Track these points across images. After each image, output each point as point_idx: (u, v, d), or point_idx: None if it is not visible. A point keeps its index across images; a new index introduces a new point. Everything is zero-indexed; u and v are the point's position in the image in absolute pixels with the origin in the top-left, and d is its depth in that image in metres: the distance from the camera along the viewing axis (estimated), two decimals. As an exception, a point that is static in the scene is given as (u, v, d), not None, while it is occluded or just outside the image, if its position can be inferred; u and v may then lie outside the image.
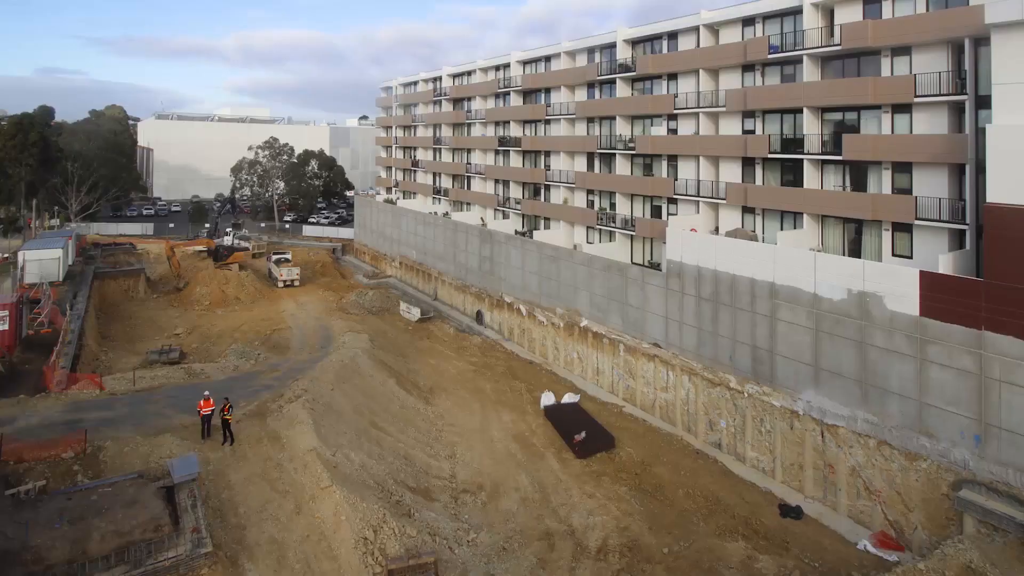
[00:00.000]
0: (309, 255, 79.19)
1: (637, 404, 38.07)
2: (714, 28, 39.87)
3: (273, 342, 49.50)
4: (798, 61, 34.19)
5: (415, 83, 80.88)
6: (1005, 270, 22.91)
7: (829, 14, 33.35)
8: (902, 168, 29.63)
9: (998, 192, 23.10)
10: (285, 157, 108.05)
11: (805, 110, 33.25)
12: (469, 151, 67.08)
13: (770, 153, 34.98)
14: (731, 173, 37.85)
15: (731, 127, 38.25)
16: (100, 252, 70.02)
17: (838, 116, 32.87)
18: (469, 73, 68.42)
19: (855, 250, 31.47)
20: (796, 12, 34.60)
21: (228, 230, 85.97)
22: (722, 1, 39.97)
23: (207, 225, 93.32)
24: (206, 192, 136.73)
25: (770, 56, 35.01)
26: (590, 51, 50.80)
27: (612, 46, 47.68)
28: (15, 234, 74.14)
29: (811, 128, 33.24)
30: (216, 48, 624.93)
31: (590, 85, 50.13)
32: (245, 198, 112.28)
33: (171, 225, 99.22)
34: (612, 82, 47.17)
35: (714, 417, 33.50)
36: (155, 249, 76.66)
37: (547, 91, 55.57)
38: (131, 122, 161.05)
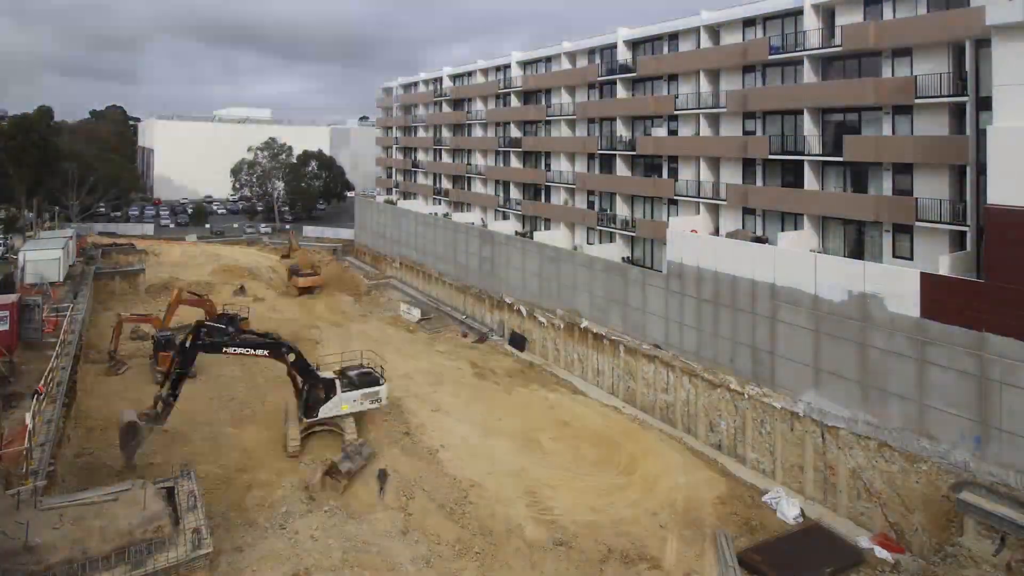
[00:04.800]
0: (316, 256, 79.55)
1: (637, 405, 38.05)
2: (714, 29, 39.89)
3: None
4: (799, 62, 34.21)
5: (415, 84, 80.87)
6: (1006, 271, 22.89)
7: (830, 15, 33.36)
8: (903, 170, 29.63)
9: (999, 193, 23.09)
10: (284, 157, 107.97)
11: (806, 111, 33.27)
12: (469, 152, 67.06)
13: (771, 154, 34.98)
14: (731, 174, 37.85)
15: (732, 128, 38.25)
16: (100, 252, 69.91)
17: (839, 117, 32.88)
18: (469, 74, 68.42)
19: (856, 251, 31.47)
20: (797, 13, 34.62)
21: None
22: (723, 2, 40.04)
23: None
24: (206, 192, 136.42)
25: (771, 57, 35.03)
26: (590, 52, 50.80)
27: (612, 47, 47.70)
28: (15, 234, 73.93)
29: (812, 129, 33.26)
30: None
31: (590, 86, 50.13)
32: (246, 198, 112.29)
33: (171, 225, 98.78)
34: (612, 83, 47.18)
35: (714, 418, 33.49)
36: (157, 249, 76.61)
37: (547, 92, 55.56)
38: (131, 123, 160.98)
